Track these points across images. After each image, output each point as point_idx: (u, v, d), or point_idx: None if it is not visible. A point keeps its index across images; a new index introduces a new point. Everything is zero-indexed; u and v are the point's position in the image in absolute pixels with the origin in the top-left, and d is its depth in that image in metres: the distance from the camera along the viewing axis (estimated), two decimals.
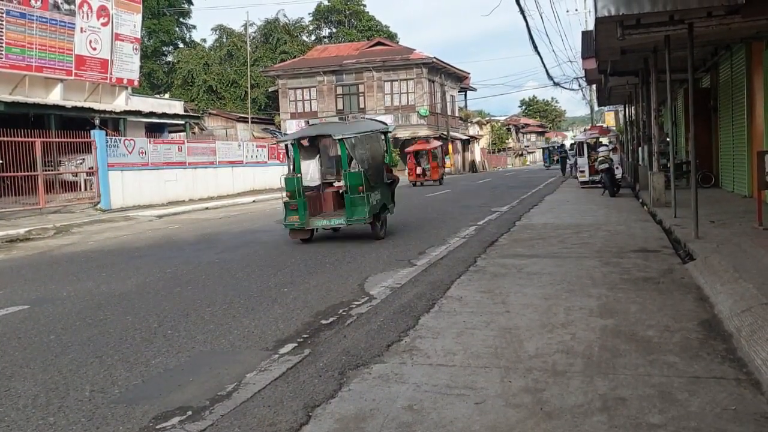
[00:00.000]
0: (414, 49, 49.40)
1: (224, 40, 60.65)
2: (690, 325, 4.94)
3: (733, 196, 14.65)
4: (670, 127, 17.07)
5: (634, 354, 4.31)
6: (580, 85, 44.06)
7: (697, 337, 4.63)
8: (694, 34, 9.33)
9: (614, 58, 14.04)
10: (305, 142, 11.99)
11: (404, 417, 3.49)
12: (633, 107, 24.96)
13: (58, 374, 4.52)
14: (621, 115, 38.79)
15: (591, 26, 15.95)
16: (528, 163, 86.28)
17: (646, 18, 9.38)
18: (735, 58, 14.69)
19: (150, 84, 57.47)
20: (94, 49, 24.93)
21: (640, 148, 19.93)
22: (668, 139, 16.59)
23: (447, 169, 48.25)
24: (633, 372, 3.98)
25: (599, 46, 12.22)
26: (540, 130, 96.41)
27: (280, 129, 46.84)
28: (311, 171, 12.16)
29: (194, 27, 73.85)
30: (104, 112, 24.51)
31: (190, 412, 3.74)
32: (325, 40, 65.44)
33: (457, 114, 56.42)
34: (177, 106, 31.74)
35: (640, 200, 16.06)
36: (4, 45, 21.19)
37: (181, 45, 63.43)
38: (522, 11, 19.39)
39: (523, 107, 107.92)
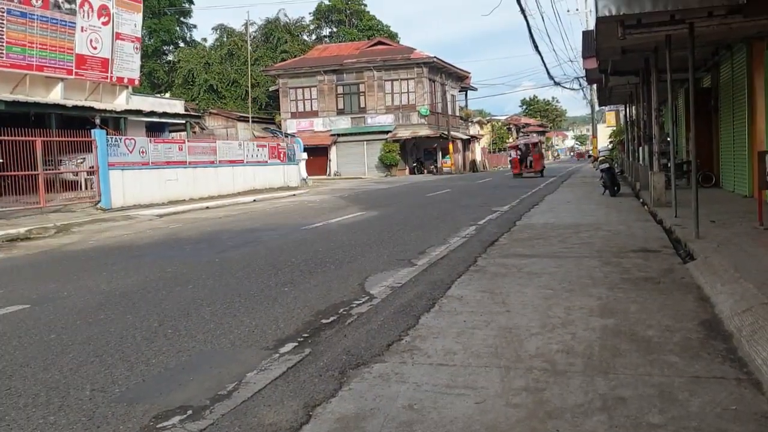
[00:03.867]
0: (415, 49, 49.43)
1: (225, 39, 60.64)
2: (690, 324, 4.94)
3: (734, 195, 14.64)
4: (671, 127, 17.03)
5: (634, 354, 4.31)
6: (580, 85, 44.14)
7: (697, 337, 4.63)
8: (695, 34, 9.32)
9: (615, 57, 14.03)
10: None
11: (404, 416, 3.49)
12: (634, 107, 24.92)
13: (59, 373, 4.52)
14: (622, 115, 38.77)
15: (592, 26, 15.93)
16: None
17: (646, 17, 9.37)
18: (736, 57, 14.68)
19: (151, 83, 57.49)
20: (95, 48, 24.93)
21: (640, 148, 19.92)
22: (669, 139, 16.55)
23: (447, 169, 48.36)
24: (633, 372, 3.98)
25: (600, 46, 12.21)
26: (541, 129, 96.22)
27: (280, 128, 46.86)
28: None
29: (195, 26, 74.03)
30: (105, 111, 24.51)
31: (190, 412, 3.74)
32: (326, 39, 65.45)
33: (457, 113, 56.42)
34: (178, 106, 31.75)
35: (641, 200, 16.05)
36: (5, 44, 21.19)
37: (181, 44, 63.49)
38: (523, 11, 19.36)
39: (524, 107, 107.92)
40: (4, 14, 21.05)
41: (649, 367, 4.04)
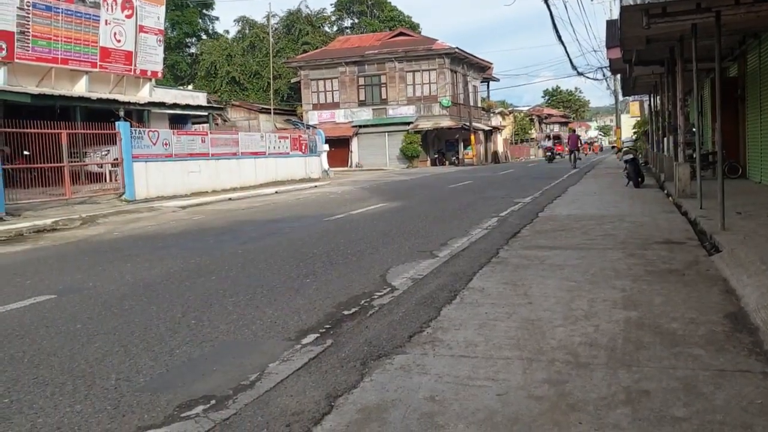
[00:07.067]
0: (436, 39, 49.17)
1: (247, 31, 60.90)
2: (715, 317, 4.88)
3: (761, 187, 14.41)
4: (696, 117, 16.83)
5: (658, 346, 4.27)
6: (604, 75, 43.62)
7: (722, 330, 4.57)
8: (722, 22, 9.16)
9: (639, 47, 13.86)
10: None
11: (426, 407, 3.49)
12: (658, 97, 24.62)
13: (85, 363, 4.59)
14: (646, 105, 38.33)
15: (616, 15, 15.73)
16: None
17: (672, 6, 9.25)
18: (763, 46, 14.42)
19: (173, 76, 57.91)
20: (119, 41, 25.16)
21: (665, 139, 19.69)
22: (694, 130, 16.36)
23: (469, 160, 48.17)
24: (657, 365, 3.95)
25: (624, 35, 12.08)
26: (563, 120, 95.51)
27: (302, 120, 46.98)
28: None
29: (217, 18, 74.49)
30: (129, 103, 24.73)
31: (213, 401, 3.78)
32: (347, 30, 65.42)
33: (479, 104, 56.10)
34: (200, 98, 31.99)
35: (665, 191, 15.87)
36: (30, 38, 21.47)
37: (204, 36, 63.83)
38: (546, 0, 19.17)
39: (546, 97, 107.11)
40: (30, 8, 21.31)
41: (674, 360, 4.00)
